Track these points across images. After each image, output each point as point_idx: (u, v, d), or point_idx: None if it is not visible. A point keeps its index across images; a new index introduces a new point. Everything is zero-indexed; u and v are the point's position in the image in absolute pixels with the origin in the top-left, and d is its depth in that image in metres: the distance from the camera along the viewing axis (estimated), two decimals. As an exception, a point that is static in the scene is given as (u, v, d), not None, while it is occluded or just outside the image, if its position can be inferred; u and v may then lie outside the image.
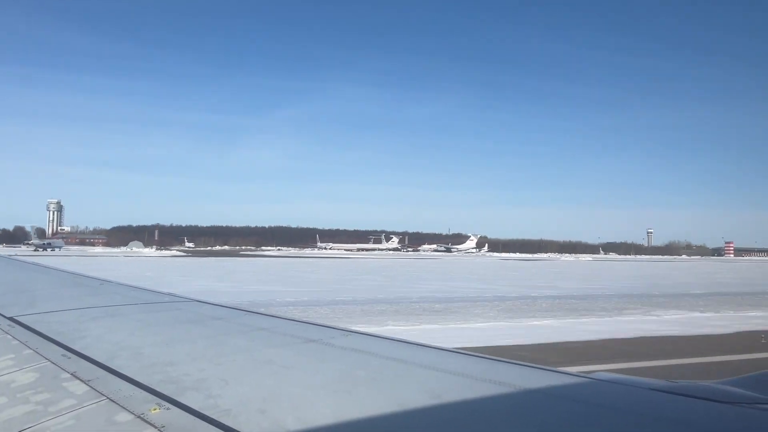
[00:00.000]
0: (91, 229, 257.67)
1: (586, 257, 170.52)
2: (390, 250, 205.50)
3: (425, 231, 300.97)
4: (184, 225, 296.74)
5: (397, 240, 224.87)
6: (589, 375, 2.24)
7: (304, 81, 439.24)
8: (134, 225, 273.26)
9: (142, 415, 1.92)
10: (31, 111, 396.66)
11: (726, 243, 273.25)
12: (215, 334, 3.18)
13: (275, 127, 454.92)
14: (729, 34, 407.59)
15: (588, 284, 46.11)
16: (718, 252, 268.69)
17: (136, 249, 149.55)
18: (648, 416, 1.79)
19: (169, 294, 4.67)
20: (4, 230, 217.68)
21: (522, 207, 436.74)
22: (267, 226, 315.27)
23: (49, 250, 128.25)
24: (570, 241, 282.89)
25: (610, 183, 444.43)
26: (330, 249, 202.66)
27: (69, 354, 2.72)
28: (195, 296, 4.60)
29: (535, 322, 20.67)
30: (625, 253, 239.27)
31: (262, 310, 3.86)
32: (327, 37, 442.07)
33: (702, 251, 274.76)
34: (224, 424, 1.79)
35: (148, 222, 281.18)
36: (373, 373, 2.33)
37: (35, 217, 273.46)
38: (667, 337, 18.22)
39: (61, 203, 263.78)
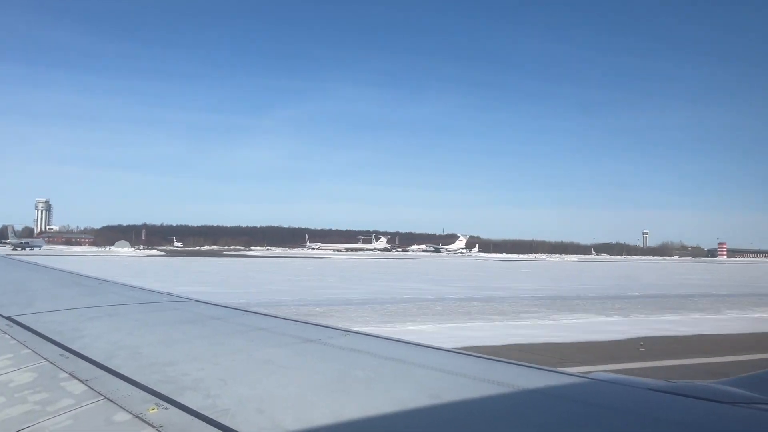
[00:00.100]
0: (82, 228, 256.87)
1: (573, 258, 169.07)
2: (379, 250, 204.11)
3: (418, 231, 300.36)
4: (175, 225, 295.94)
5: (386, 240, 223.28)
6: (587, 375, 2.25)
7: (303, 81, 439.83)
8: (124, 225, 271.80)
9: (140, 415, 1.92)
10: (25, 110, 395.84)
11: (719, 244, 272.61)
12: (213, 334, 3.19)
13: (273, 127, 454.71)
14: (728, 35, 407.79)
15: (540, 286, 44.64)
16: (711, 253, 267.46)
17: (115, 249, 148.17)
18: (647, 416, 1.80)
19: (168, 294, 4.67)
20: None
21: (520, 208, 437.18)
22: (258, 225, 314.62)
23: (28, 249, 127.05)
24: (562, 242, 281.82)
25: (607, 184, 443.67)
26: (318, 249, 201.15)
27: (67, 354, 2.71)
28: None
29: (408, 327, 19.19)
30: (617, 254, 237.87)
31: (260, 310, 3.86)
32: (326, 37, 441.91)
33: (696, 252, 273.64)
34: (222, 424, 1.79)
35: (141, 222, 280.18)
36: (371, 373, 2.34)
37: (26, 216, 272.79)
38: (538, 344, 16.99)
39: (50, 202, 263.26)
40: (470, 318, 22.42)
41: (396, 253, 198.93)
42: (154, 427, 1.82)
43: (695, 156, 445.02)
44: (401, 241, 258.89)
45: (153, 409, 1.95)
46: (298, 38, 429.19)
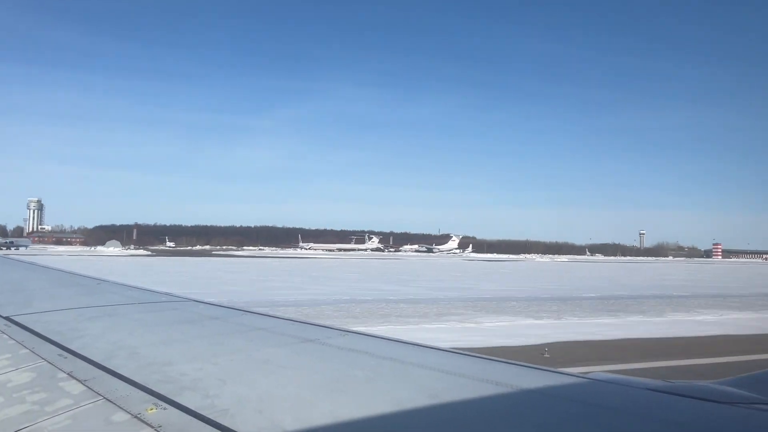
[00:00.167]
0: (76, 228, 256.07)
1: (563, 258, 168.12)
2: (372, 250, 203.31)
3: (415, 231, 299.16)
4: (168, 225, 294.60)
5: (377, 240, 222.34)
6: (586, 375, 2.25)
7: (302, 81, 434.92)
8: (118, 224, 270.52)
9: (138, 415, 1.92)
10: (21, 109, 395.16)
11: (714, 245, 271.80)
12: (212, 334, 3.19)
13: (272, 127, 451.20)
14: (728, 35, 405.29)
15: (503, 287, 43.72)
16: (707, 254, 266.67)
17: (101, 249, 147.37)
18: (645, 416, 1.80)
19: (167, 294, 4.66)
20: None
21: (518, 208, 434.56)
22: (252, 225, 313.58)
23: (13, 249, 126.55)
24: (557, 242, 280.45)
25: (606, 184, 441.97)
26: (309, 249, 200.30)
27: (65, 354, 2.71)
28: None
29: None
30: (612, 255, 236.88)
31: (259, 310, 3.88)
32: (325, 37, 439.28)
33: (693, 253, 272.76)
34: (221, 424, 1.79)
35: (135, 221, 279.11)
36: (370, 373, 2.34)
37: (20, 216, 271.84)
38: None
39: (42, 202, 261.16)
40: (385, 320, 21.48)
41: (388, 253, 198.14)
42: (152, 427, 1.82)
43: (694, 156, 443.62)
44: (396, 241, 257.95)
45: (152, 410, 1.95)
46: (297, 38, 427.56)
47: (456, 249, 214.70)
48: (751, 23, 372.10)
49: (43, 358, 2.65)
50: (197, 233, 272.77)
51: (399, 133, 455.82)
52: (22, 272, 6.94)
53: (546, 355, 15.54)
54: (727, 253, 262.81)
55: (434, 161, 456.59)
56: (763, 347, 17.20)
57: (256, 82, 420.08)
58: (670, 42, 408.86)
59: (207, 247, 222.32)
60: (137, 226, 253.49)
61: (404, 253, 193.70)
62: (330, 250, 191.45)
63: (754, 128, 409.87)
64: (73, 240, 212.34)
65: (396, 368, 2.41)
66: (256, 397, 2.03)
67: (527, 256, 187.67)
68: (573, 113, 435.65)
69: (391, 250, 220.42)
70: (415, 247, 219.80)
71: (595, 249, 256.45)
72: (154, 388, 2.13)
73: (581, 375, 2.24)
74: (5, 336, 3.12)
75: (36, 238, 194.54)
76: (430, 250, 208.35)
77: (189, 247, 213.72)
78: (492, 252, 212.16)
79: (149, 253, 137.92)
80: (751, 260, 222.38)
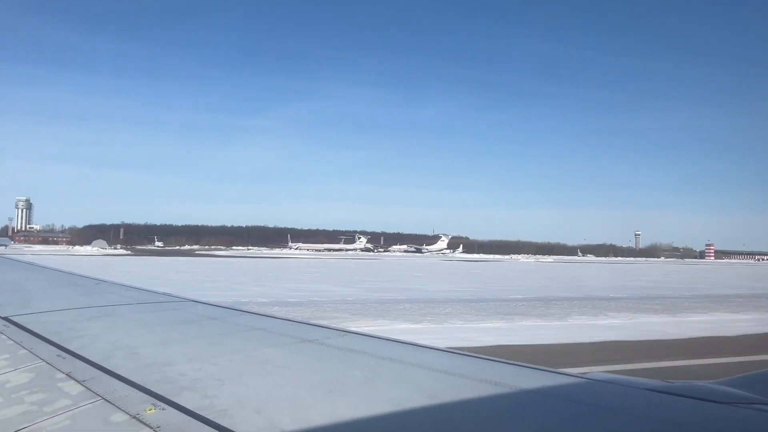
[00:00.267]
0: (66, 227, 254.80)
1: (548, 259, 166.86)
2: (361, 250, 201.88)
3: (407, 231, 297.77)
4: (159, 224, 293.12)
5: (365, 240, 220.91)
6: (585, 375, 2.25)
7: (301, 81, 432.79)
8: (108, 224, 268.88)
9: (137, 416, 1.92)
10: (14, 107, 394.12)
11: (707, 246, 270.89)
12: (211, 334, 3.18)
13: (271, 127, 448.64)
14: (728, 35, 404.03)
15: (455, 288, 42.09)
16: (701, 254, 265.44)
17: (78, 248, 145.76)
18: (644, 416, 1.80)
19: (165, 294, 4.66)
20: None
21: (513, 208, 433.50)
22: (243, 225, 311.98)
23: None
24: (548, 243, 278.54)
25: (601, 185, 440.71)
26: (297, 249, 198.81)
27: (64, 354, 2.70)
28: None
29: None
30: (604, 255, 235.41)
31: (258, 310, 3.89)
32: (325, 37, 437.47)
33: (687, 254, 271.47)
34: (220, 425, 1.79)
35: (126, 221, 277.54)
36: (369, 373, 2.34)
37: (9, 215, 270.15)
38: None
39: (31, 201, 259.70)
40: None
41: (377, 253, 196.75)
42: (151, 427, 1.82)
43: (690, 157, 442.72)
44: (388, 241, 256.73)
45: (150, 410, 1.95)
46: (297, 38, 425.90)
47: (446, 249, 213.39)
48: (751, 23, 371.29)
49: (41, 359, 2.66)
50: (188, 233, 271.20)
51: (398, 134, 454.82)
52: (20, 272, 6.95)
53: None
54: (721, 254, 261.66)
55: (433, 161, 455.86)
56: (623, 356, 15.26)
57: (255, 82, 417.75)
58: (670, 42, 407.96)
59: (195, 247, 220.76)
60: (125, 225, 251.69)
61: (392, 254, 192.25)
62: (318, 251, 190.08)
63: (752, 129, 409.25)
64: (60, 240, 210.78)
65: (395, 368, 2.41)
66: (255, 397, 2.04)
67: (513, 256, 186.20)
68: (572, 113, 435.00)
69: (381, 250, 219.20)
70: (404, 247, 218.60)
71: (588, 250, 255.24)
72: (152, 389, 2.13)
73: (580, 375, 2.24)
74: (4, 336, 3.13)
75: (21, 238, 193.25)
76: (419, 251, 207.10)
77: (177, 247, 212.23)
78: (482, 252, 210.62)
79: (129, 252, 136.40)
80: (742, 261, 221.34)
